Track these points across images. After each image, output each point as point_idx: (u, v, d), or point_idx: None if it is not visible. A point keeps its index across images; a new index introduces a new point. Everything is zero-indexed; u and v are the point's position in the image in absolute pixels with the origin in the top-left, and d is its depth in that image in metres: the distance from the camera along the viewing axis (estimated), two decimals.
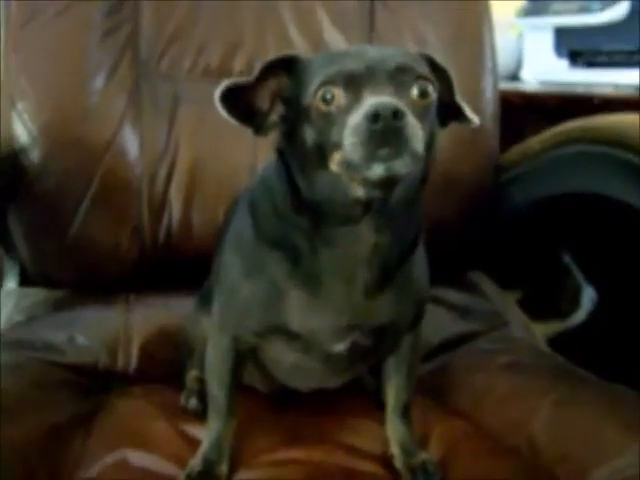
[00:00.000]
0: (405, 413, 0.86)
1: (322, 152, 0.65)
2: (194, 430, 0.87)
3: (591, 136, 1.06)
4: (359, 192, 0.65)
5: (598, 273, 1.38)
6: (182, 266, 1.13)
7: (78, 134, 1.13)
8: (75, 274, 1.17)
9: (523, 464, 0.83)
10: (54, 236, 1.14)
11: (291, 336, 0.76)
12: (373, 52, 0.67)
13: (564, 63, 1.62)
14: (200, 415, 0.89)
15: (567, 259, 1.41)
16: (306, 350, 0.78)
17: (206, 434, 0.83)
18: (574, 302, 1.41)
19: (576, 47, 1.61)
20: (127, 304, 1.12)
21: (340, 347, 0.77)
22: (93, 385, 0.99)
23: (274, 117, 0.70)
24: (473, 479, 0.81)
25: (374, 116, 0.60)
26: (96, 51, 1.14)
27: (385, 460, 0.85)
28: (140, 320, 1.08)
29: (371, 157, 0.60)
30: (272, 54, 0.70)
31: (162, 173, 1.14)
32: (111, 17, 1.15)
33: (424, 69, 0.68)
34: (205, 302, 0.90)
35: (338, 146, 0.63)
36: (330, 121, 0.64)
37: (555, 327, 1.39)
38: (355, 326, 0.75)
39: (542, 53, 1.65)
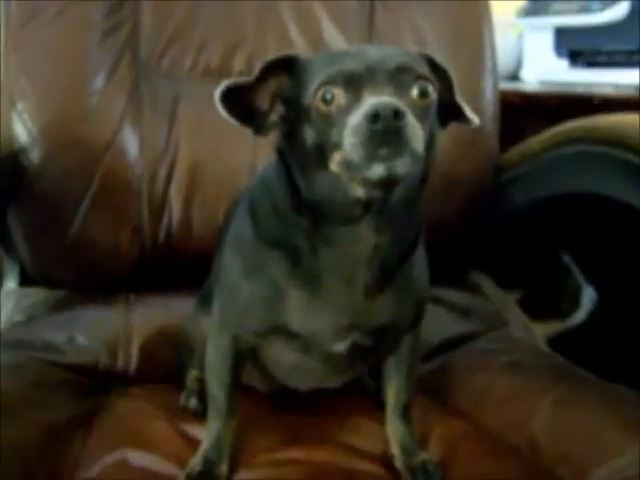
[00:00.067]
0: (405, 413, 0.86)
1: (322, 152, 0.65)
2: (194, 430, 0.87)
3: (591, 136, 1.06)
4: (359, 192, 0.65)
5: (598, 273, 1.38)
6: (182, 266, 1.13)
7: (78, 134, 1.13)
8: (75, 274, 1.17)
9: (523, 464, 0.83)
10: (54, 236, 1.14)
11: (291, 336, 0.76)
12: (373, 52, 0.67)
13: (564, 63, 1.62)
14: (200, 415, 0.89)
15: (567, 259, 1.41)
16: (306, 350, 0.78)
17: (206, 434, 0.83)
18: (574, 302, 1.41)
19: (576, 47, 1.61)
20: (127, 304, 1.12)
21: (340, 347, 0.77)
22: (93, 385, 0.99)
23: (274, 117, 0.70)
24: (473, 479, 0.81)
25: (374, 116, 0.60)
26: (96, 51, 1.14)
27: (385, 460, 0.85)
28: (140, 320, 1.08)
29: (371, 157, 0.60)
30: (272, 54, 0.70)
31: (162, 173, 1.14)
32: (111, 17, 1.15)
33: (424, 69, 0.68)
34: (205, 302, 0.90)
35: (338, 146, 0.63)
36: (330, 121, 0.64)
37: (555, 327, 1.39)
38: (355, 326, 0.75)
39: (542, 53, 1.65)
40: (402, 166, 0.61)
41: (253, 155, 1.13)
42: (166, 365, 1.02)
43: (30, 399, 0.89)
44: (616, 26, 1.47)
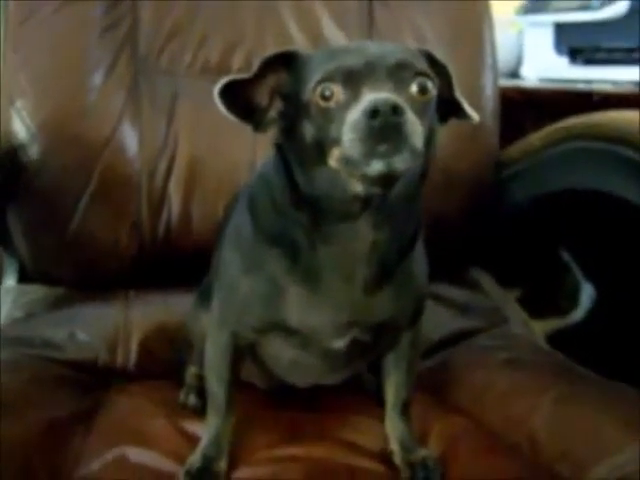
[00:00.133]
0: (404, 410, 0.86)
1: (321, 148, 0.64)
2: (193, 427, 0.87)
3: (591, 133, 1.06)
4: (358, 188, 0.65)
5: (597, 270, 1.38)
6: (181, 262, 1.13)
7: (77, 131, 1.12)
8: (74, 270, 1.17)
9: (523, 461, 0.83)
10: (53, 232, 1.14)
11: (290, 332, 0.76)
12: (372, 48, 0.66)
13: (564, 60, 1.62)
14: (199, 412, 0.89)
15: (566, 256, 1.40)
16: (305, 346, 0.78)
17: (205, 431, 0.83)
18: (573, 299, 1.41)
19: (576, 44, 1.61)
20: (126, 300, 1.12)
21: (339, 344, 0.77)
22: (92, 382, 0.99)
23: (273, 113, 0.70)
24: (473, 476, 0.81)
25: (373, 112, 0.60)
26: (95, 48, 1.14)
27: (384, 457, 0.85)
28: (139, 317, 1.08)
29: (370, 153, 0.60)
30: (271, 51, 0.69)
31: (161, 169, 1.14)
32: (110, 13, 1.15)
33: (423, 65, 0.68)
34: (204, 298, 0.90)
35: (337, 142, 0.63)
36: (329, 117, 0.64)
37: (554, 324, 1.39)
38: (354, 322, 0.75)
39: (542, 50, 1.65)
40: (401, 162, 0.61)
41: (252, 151, 1.13)
42: (165, 362, 1.02)
43: (29, 396, 0.89)
44: (616, 23, 1.47)
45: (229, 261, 0.78)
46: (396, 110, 0.60)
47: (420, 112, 0.64)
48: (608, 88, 1.42)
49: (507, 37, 1.68)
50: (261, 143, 1.09)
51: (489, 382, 0.96)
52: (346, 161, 0.62)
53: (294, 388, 0.89)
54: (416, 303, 0.80)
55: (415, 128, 0.61)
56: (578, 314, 1.41)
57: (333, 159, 0.64)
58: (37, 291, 1.15)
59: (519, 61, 1.73)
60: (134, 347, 1.05)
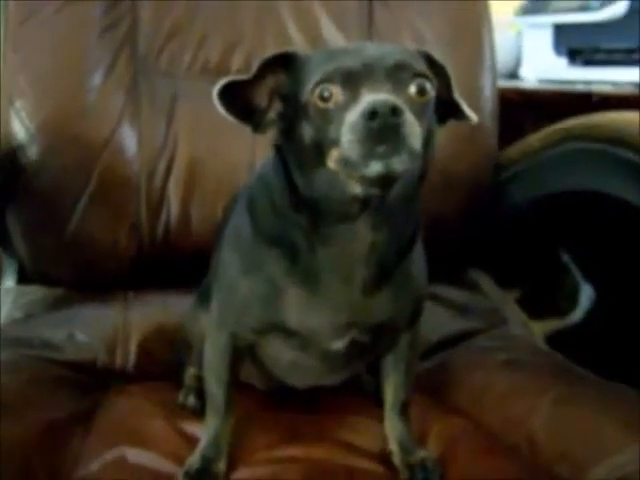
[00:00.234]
0: (403, 411, 0.86)
1: (320, 149, 0.64)
2: (192, 428, 0.87)
3: (590, 134, 1.06)
4: (357, 189, 0.65)
5: (596, 271, 1.38)
6: (180, 263, 1.13)
7: (76, 131, 1.12)
8: (73, 271, 1.17)
9: (522, 462, 0.83)
10: (52, 233, 1.14)
11: (289, 333, 0.76)
12: (371, 49, 0.66)
13: (563, 61, 1.62)
14: (198, 413, 0.89)
15: (565, 257, 1.40)
16: (304, 347, 0.78)
17: (204, 432, 0.83)
18: (572, 300, 1.41)
19: (575, 45, 1.61)
20: (125, 302, 1.12)
21: (338, 345, 0.77)
22: (91, 382, 0.99)
23: (272, 114, 0.70)
24: (472, 477, 0.81)
25: (372, 113, 0.60)
26: (94, 48, 1.14)
27: (384, 457, 0.85)
28: (138, 318, 1.08)
29: (369, 154, 0.60)
30: (271, 52, 0.69)
31: (160, 170, 1.14)
32: (109, 14, 1.15)
33: (422, 66, 0.68)
34: (204, 299, 0.90)
35: (336, 143, 0.63)
36: (328, 118, 0.64)
37: (553, 325, 1.39)
38: (353, 324, 0.75)
39: (541, 51, 1.65)
40: (400, 164, 0.61)
41: (251, 152, 1.13)
42: (164, 363, 1.02)
43: (29, 396, 0.89)
44: (615, 24, 1.47)
45: (228, 262, 0.78)
46: (395, 111, 0.60)
47: (419, 113, 0.64)
48: (607, 89, 1.42)
49: (506, 38, 1.68)
50: (260, 144, 1.09)
51: (488, 383, 0.96)
52: (345, 162, 0.62)
53: (293, 389, 0.89)
54: (415, 304, 0.80)
55: (414, 129, 0.61)
56: (577, 315, 1.41)
57: (332, 160, 0.64)
58: (36, 292, 1.15)
59: (518, 62, 1.73)
60: (133, 348, 1.04)
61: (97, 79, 1.14)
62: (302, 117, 0.66)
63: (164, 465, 0.81)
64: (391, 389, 0.86)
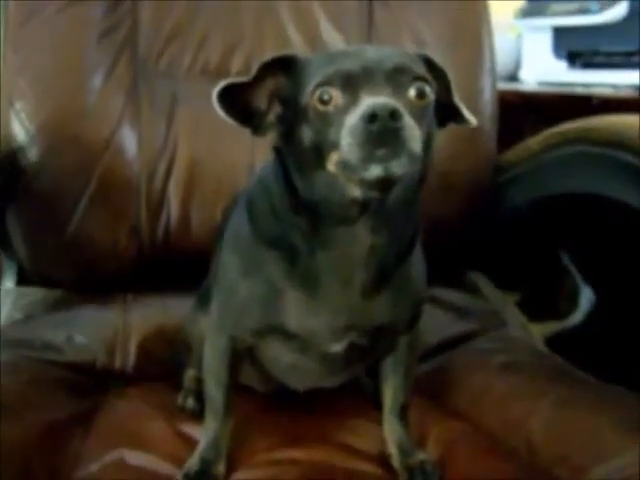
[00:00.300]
0: (402, 413, 0.86)
1: (319, 152, 0.64)
2: (191, 430, 0.87)
3: (590, 137, 1.06)
4: (356, 192, 0.65)
5: (596, 274, 1.38)
6: (180, 265, 1.13)
7: (76, 133, 1.12)
8: (73, 273, 1.17)
9: (521, 464, 0.83)
10: (52, 234, 1.14)
11: (288, 336, 0.76)
12: (371, 52, 0.67)
13: (563, 64, 1.62)
14: (197, 415, 0.89)
15: (565, 260, 1.41)
16: (303, 350, 0.78)
17: (203, 434, 0.83)
18: (572, 303, 1.41)
19: (575, 48, 1.61)
20: (125, 303, 1.12)
21: (337, 347, 0.77)
22: (91, 384, 0.99)
23: (272, 117, 0.70)
24: (471, 479, 0.81)
25: (371, 117, 0.60)
26: (94, 50, 1.14)
27: (383, 460, 0.84)
28: (138, 319, 1.08)
29: (368, 158, 0.60)
30: (270, 54, 0.69)
31: (160, 172, 1.14)
32: (109, 16, 1.15)
33: (422, 70, 0.68)
34: (203, 302, 0.90)
35: (335, 146, 0.63)
36: (327, 121, 0.64)
37: (553, 327, 1.39)
38: (352, 326, 0.75)
39: (541, 54, 1.65)
40: (399, 167, 0.61)
41: (251, 154, 1.13)
42: (164, 365, 1.02)
43: (29, 397, 0.89)
44: (615, 27, 1.47)
45: (228, 264, 0.78)
46: (394, 115, 0.60)
47: (418, 116, 0.64)
48: (607, 92, 1.42)
49: (506, 40, 1.68)
50: (260, 146, 1.09)
51: (487, 385, 0.96)
52: (344, 165, 0.62)
53: (292, 391, 0.89)
54: (414, 307, 0.80)
55: (413, 133, 0.61)
56: (577, 317, 1.41)
57: (331, 163, 0.64)
58: (36, 293, 1.15)
59: (518, 65, 1.73)
60: (132, 350, 1.05)
61: (97, 80, 1.14)
62: (302, 120, 0.66)
63: (163, 467, 0.81)
64: (390, 392, 0.86)
